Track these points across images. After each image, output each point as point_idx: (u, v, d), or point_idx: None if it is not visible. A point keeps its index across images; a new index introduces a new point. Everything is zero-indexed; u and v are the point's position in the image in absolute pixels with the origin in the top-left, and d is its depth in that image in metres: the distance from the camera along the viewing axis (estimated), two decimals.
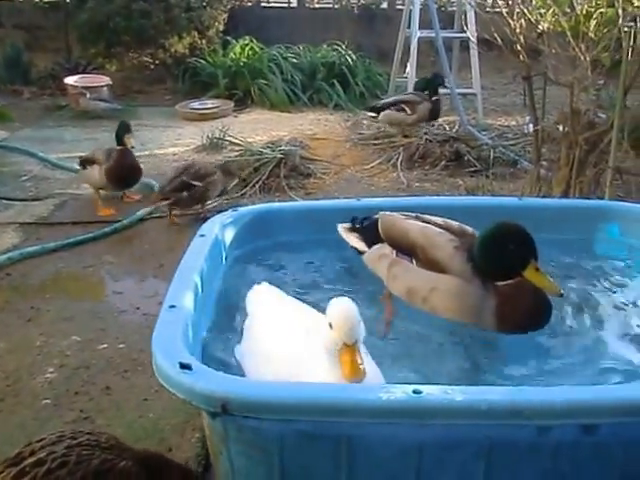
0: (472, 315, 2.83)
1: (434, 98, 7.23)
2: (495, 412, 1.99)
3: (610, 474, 2.19)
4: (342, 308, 2.23)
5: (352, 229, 3.28)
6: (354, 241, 3.25)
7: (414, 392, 1.99)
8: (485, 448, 2.09)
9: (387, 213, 3.21)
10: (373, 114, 7.46)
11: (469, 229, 3.03)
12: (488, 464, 2.12)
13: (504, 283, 2.77)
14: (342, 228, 3.30)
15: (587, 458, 2.14)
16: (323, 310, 2.32)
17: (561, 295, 2.73)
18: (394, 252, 3.08)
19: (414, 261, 3.00)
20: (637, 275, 3.33)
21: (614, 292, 3.21)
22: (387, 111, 7.26)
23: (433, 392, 2.02)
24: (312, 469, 2.15)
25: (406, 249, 3.04)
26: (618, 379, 2.57)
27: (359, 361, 2.13)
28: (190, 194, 5.26)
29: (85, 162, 5.70)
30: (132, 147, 5.67)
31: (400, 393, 2.00)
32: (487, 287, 2.80)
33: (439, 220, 3.09)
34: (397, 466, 2.13)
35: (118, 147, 5.60)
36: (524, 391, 2.13)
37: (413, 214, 3.16)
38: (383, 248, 3.12)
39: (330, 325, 2.18)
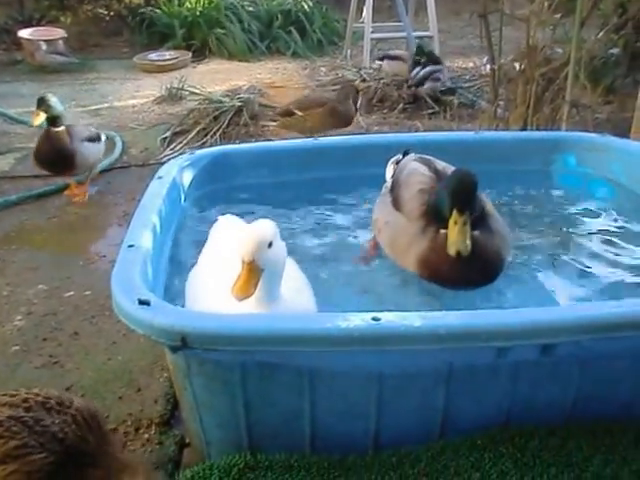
0: (400, 254, 2.78)
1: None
2: (454, 336, 2.02)
3: (566, 393, 2.25)
4: (253, 227, 2.25)
5: (397, 162, 3.25)
6: (388, 171, 3.26)
7: (373, 319, 2.01)
8: (445, 373, 2.14)
9: (411, 155, 3.17)
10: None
11: None
12: (448, 389, 2.17)
13: (444, 231, 2.58)
14: (393, 159, 3.28)
15: (545, 378, 2.21)
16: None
17: (458, 254, 2.46)
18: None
19: (391, 197, 2.99)
20: (593, 203, 3.39)
21: (571, 222, 3.27)
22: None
23: (392, 319, 2.03)
24: (275, 400, 2.18)
25: (393, 186, 3.03)
26: None
27: (251, 281, 2.14)
28: (287, 120, 5.58)
29: None
30: (36, 126, 4.71)
31: (359, 321, 2.01)
32: (426, 231, 2.68)
33: (440, 165, 3.00)
34: (358, 394, 2.18)
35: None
36: (481, 314, 2.16)
37: (427, 157, 3.09)
38: (389, 182, 3.14)
39: None
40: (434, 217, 2.65)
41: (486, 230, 2.63)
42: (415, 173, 2.95)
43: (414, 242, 2.69)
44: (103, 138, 5.04)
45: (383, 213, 2.98)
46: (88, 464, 2.01)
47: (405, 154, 3.22)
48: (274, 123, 5.85)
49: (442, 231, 2.58)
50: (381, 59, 7.62)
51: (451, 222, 2.50)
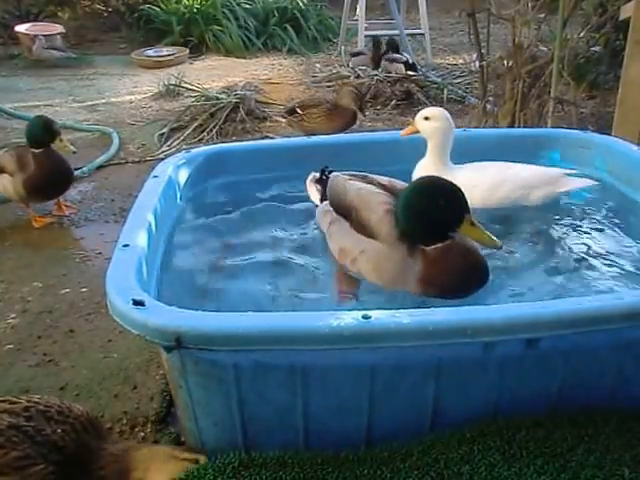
0: (395, 281, 2.64)
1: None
2: (441, 332, 2.05)
3: (551, 385, 2.29)
4: None
5: (317, 180, 3.19)
6: (313, 193, 3.18)
7: (363, 317, 2.04)
8: (434, 368, 2.17)
9: (336, 173, 3.08)
10: None
11: None
12: (437, 384, 2.20)
13: (432, 247, 2.54)
14: (310, 177, 3.23)
15: (530, 371, 2.24)
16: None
17: (500, 247, 2.56)
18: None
19: (349, 223, 2.84)
20: (576, 200, 3.42)
21: (554, 218, 3.28)
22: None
23: (381, 316, 2.06)
24: (269, 397, 2.20)
25: (343, 210, 2.88)
26: None
27: None
28: (291, 119, 5.65)
29: None
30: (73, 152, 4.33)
31: (350, 319, 2.04)
32: (413, 252, 2.57)
33: (384, 180, 2.92)
34: (351, 390, 2.20)
35: (36, 150, 4.23)
36: (467, 310, 2.18)
37: (361, 174, 3.01)
38: (328, 205, 3.00)
39: None
40: (415, 237, 2.60)
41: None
42: (366, 193, 2.82)
43: (407, 266, 2.59)
44: None
45: (349, 241, 2.80)
46: (91, 469, 2.04)
47: (323, 172, 3.16)
48: (283, 120, 5.91)
49: (427, 248, 2.55)
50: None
51: (467, 226, 2.51)
